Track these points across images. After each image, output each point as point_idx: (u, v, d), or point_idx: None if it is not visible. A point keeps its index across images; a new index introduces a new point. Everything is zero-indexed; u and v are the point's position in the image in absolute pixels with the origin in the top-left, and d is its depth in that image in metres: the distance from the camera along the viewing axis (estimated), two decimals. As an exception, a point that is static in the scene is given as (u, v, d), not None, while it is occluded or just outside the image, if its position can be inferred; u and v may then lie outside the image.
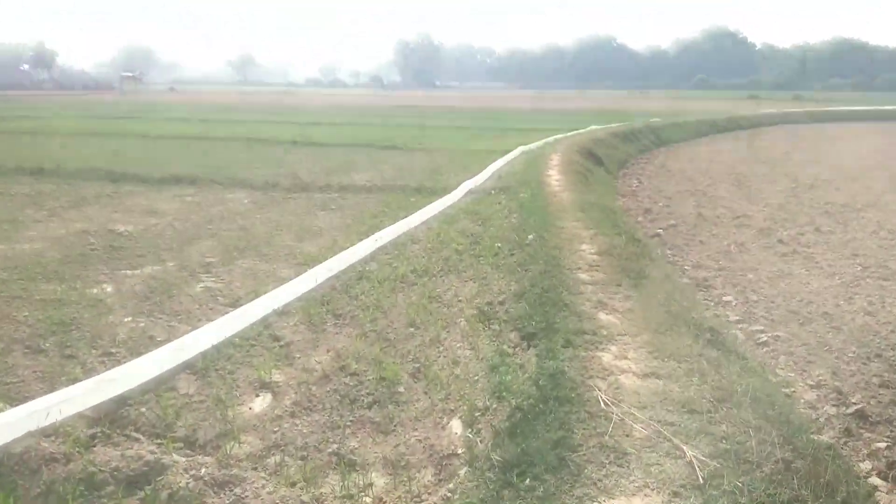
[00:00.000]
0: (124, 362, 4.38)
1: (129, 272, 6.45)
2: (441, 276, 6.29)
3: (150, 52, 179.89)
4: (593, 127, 25.57)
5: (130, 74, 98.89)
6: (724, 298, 7.63)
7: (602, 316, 4.47)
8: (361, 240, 7.73)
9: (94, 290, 5.83)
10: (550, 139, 20.65)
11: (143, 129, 23.49)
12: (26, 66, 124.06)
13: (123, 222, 8.61)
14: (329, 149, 18.53)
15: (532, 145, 18.84)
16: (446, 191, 11.26)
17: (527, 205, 9.07)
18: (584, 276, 5.40)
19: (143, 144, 18.40)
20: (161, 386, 4.08)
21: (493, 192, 11.10)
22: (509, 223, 8.37)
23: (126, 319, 5.17)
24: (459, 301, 5.52)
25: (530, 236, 7.00)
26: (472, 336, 4.64)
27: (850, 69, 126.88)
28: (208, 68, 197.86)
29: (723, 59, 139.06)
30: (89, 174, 12.25)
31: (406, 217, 8.91)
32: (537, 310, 4.61)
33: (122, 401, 3.89)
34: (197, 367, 4.29)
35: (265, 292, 5.72)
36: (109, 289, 5.92)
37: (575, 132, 23.34)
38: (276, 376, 4.19)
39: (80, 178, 11.98)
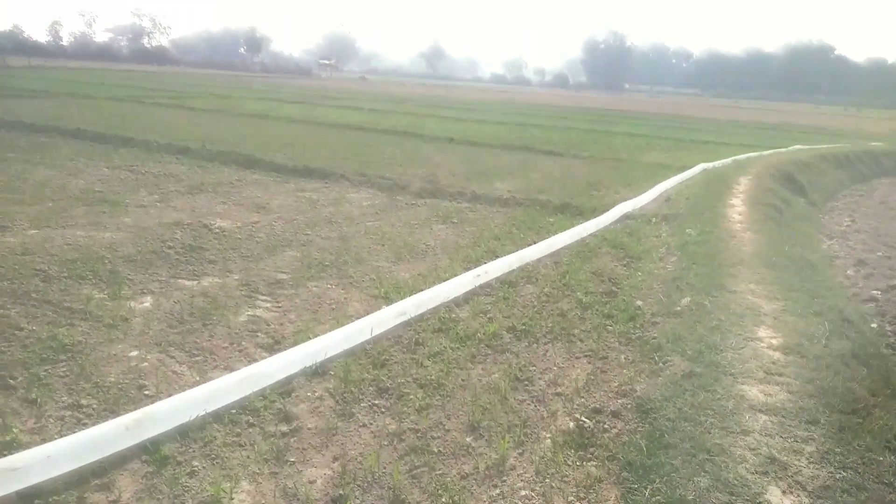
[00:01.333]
0: (84, 424, 3.31)
1: (185, 282, 5.51)
2: (546, 343, 4.60)
3: (352, 42, 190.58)
4: (797, 146, 21.84)
5: (327, 62, 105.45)
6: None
7: (774, 498, 2.59)
8: (471, 267, 6.27)
9: (130, 304, 4.91)
10: (742, 157, 17.66)
11: (311, 115, 23.81)
12: (243, 50, 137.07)
13: (224, 216, 7.86)
14: (483, 149, 17.21)
15: (717, 163, 16.12)
16: (596, 212, 9.42)
17: (692, 246, 7.01)
18: (753, 393, 3.45)
19: (300, 131, 18.32)
20: (95, 479, 2.91)
21: (653, 219, 9.06)
22: (663, 270, 6.40)
23: (133, 353, 4.13)
24: (556, 394, 3.82)
25: (685, 300, 5.06)
26: (552, 476, 2.97)
27: None
28: (402, 59, 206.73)
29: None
30: (227, 158, 11.95)
31: (533, 244, 7.28)
32: (663, 456, 2.83)
33: (27, 499, 2.77)
34: (156, 455, 3.07)
35: (315, 335, 4.45)
36: (148, 303, 4.97)
37: (773, 151, 19.96)
38: (239, 499, 2.84)
39: (218, 162, 11.71)
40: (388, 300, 5.26)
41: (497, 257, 6.73)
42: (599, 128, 27.24)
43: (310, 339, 4.38)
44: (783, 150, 20.56)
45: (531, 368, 4.16)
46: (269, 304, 5.15)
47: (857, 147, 23.50)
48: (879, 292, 8.45)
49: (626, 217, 9.34)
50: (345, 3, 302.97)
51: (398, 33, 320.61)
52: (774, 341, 4.15)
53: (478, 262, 6.56)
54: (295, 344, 4.27)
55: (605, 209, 9.59)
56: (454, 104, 41.45)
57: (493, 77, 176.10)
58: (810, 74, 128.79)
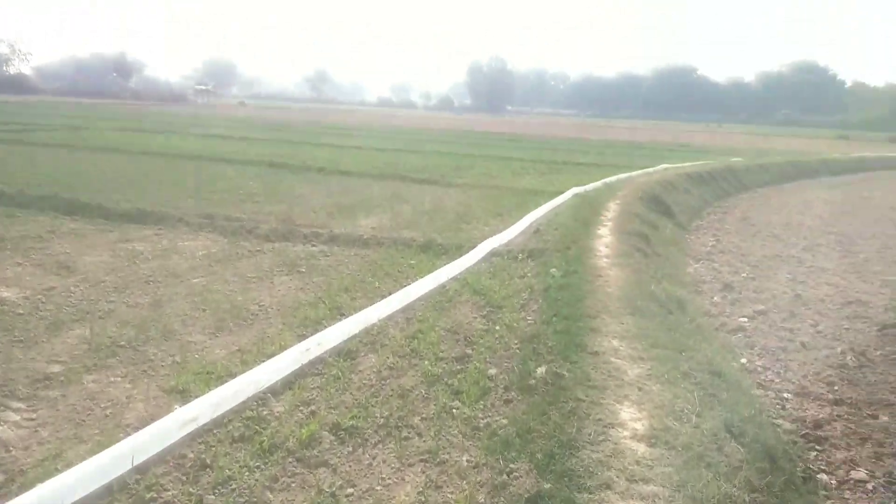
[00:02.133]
0: None
1: None
2: (375, 445, 3.72)
3: (233, 68, 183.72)
4: (664, 165, 22.56)
5: (203, 87, 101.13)
6: (856, 474, 4.81)
7: None
8: (307, 333, 5.32)
9: None
10: (612, 179, 17.82)
11: (170, 146, 21.96)
12: (115, 75, 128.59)
13: (13, 283, 6.44)
14: (354, 180, 16.31)
15: (589, 186, 16.08)
16: (462, 250, 8.74)
17: (555, 291, 6.41)
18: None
19: (150, 166, 16.62)
20: None
21: (520, 256, 8.49)
22: (523, 323, 5.73)
23: None
24: (373, 534, 2.94)
25: (540, 369, 4.35)
26: None
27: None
28: (287, 84, 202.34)
29: (810, 96, 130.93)
30: (47, 203, 10.30)
31: (388, 295, 6.43)
32: None
33: None
34: None
35: (65, 465, 3.33)
36: None
37: (642, 171, 20.41)
38: None
39: (35, 208, 10.05)
40: (185, 396, 4.19)
41: (343, 317, 5.83)
42: (477, 152, 27.07)
43: (56, 472, 3.26)
44: (651, 169, 21.10)
45: (347, 492, 3.25)
46: (19, 416, 3.95)
47: (720, 164, 24.64)
48: (746, 319, 8.29)
49: (493, 254, 8.72)
50: (226, 28, 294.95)
51: (283, 58, 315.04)
52: (639, 426, 3.49)
53: (317, 326, 5.63)
54: (26, 486, 3.14)
55: (473, 245, 8.94)
56: (334, 129, 40.36)
57: (379, 101, 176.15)
58: (676, 94, 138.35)
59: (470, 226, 10.97)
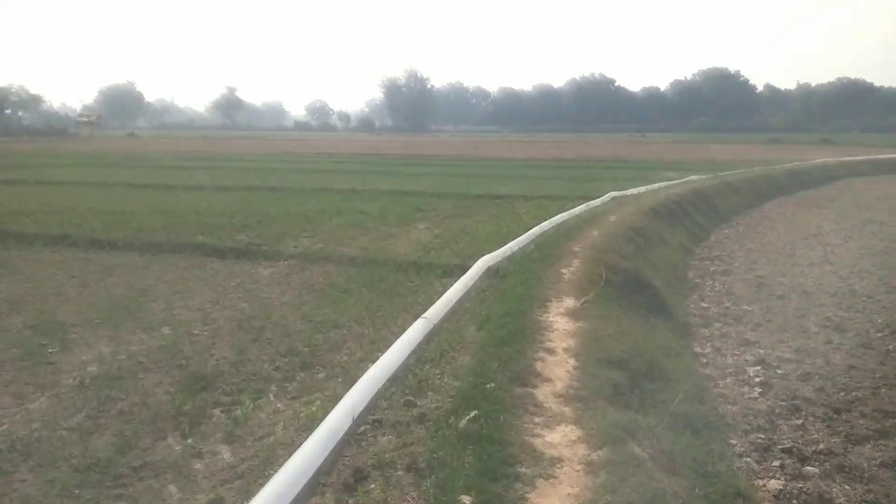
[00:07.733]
0: None
1: None
2: None
3: (138, 96, 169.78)
4: (612, 194, 16.34)
5: (86, 119, 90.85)
6: None
7: None
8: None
9: None
10: (547, 229, 11.29)
11: None
12: (8, 111, 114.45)
13: None
14: (99, 258, 9.21)
15: (513, 248, 9.47)
16: None
17: None
18: None
19: None
20: None
21: None
22: None
23: None
24: None
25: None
26: None
27: (854, 111, 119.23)
28: (200, 111, 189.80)
29: (723, 101, 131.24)
30: None
31: None
32: None
33: None
34: None
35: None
36: None
37: (585, 206, 14.05)
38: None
39: None
40: None
41: None
42: (365, 186, 20.07)
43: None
44: (598, 202, 14.82)
45: None
46: None
47: (681, 186, 18.73)
48: None
49: None
50: (129, 52, 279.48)
51: (193, 83, 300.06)
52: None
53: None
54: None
55: None
56: (202, 161, 32.83)
57: (297, 125, 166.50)
58: (595, 105, 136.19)
59: (238, 407, 4.14)
